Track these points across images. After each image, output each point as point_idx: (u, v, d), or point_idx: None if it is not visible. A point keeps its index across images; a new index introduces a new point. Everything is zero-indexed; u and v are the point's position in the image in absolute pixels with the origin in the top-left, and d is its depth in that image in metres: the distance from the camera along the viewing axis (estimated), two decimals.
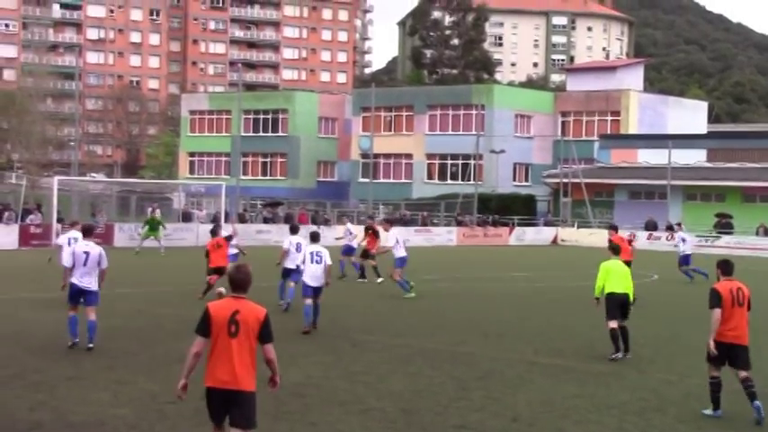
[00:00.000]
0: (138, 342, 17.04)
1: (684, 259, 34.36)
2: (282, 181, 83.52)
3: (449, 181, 75.74)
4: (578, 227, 64.79)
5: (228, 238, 24.76)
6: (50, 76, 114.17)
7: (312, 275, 19.28)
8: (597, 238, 38.86)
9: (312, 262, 19.40)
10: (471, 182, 68.77)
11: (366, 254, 31.39)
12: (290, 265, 21.89)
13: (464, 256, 47.46)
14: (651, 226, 60.03)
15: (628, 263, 23.21)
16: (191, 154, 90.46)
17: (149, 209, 52.74)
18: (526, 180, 78.01)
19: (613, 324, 16.63)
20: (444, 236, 59.21)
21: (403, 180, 78.89)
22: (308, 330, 18.79)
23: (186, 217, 53.34)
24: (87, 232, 17.05)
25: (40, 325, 18.76)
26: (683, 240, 34.68)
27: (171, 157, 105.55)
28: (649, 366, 16.32)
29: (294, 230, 23.16)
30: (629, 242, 29.06)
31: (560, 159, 71.76)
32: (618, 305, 16.64)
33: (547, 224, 67.67)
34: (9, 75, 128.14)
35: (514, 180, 76.90)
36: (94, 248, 16.32)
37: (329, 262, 19.52)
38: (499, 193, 71.06)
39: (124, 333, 18.14)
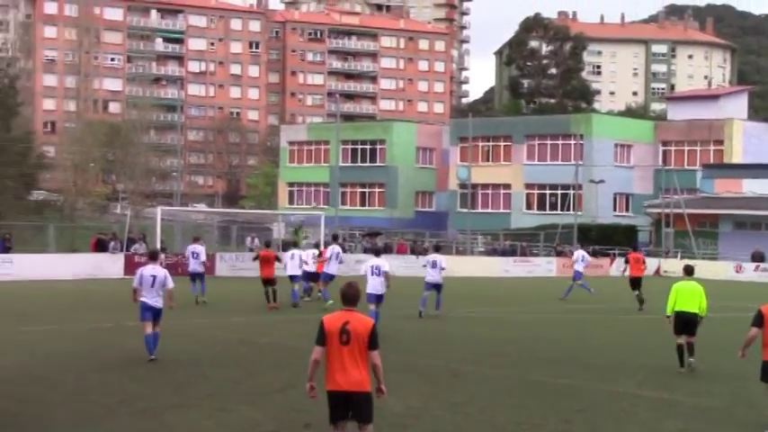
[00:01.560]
0: (241, 370, 17.19)
1: None
2: (381, 211, 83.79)
3: (548, 211, 75.12)
4: (681, 257, 63.60)
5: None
6: (154, 108, 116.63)
7: (372, 286, 23.29)
8: (700, 269, 38.20)
9: (372, 274, 23.63)
10: (571, 212, 68.11)
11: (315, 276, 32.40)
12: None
13: (564, 286, 46.89)
14: (758, 257, 58.63)
15: (638, 279, 33.38)
16: (290, 184, 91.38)
17: (248, 239, 53.47)
18: (627, 210, 76.98)
19: (680, 340, 18.38)
20: (544, 266, 58.66)
21: (501, 210, 78.50)
22: None
23: (286, 247, 53.76)
24: (154, 257, 19.24)
25: (145, 353, 19.03)
26: None
27: (271, 188, 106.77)
28: (760, 402, 15.85)
29: (377, 253, 26.02)
30: (642, 261, 34.80)
31: (662, 189, 70.62)
32: (684, 323, 18.28)
33: (649, 255, 66.50)
34: (114, 107, 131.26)
35: (615, 210, 75.95)
36: (160, 271, 18.44)
37: (387, 270, 23.72)
38: (599, 223, 70.21)
39: (227, 361, 18.33)
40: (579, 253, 39.47)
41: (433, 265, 28.33)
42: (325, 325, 9.93)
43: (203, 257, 32.94)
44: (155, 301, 18.26)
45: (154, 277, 18.27)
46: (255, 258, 31.03)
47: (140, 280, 18.30)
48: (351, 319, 9.91)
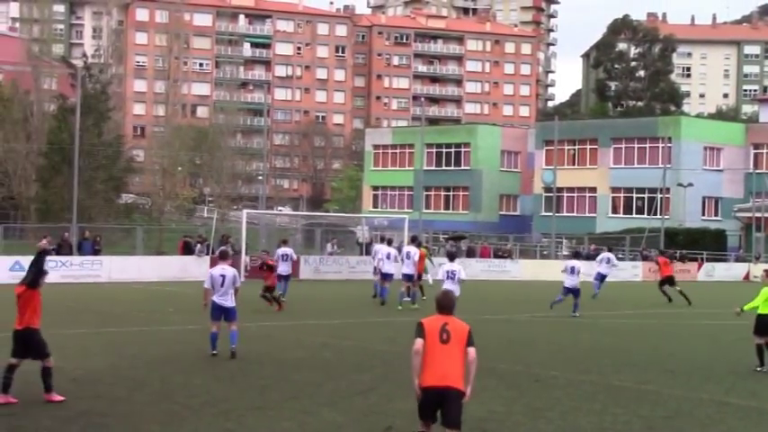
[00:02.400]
0: (323, 373, 17.29)
1: None
2: (465, 215, 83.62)
3: (634, 215, 74.29)
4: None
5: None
6: (240, 112, 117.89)
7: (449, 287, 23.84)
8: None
9: (446, 279, 25.07)
10: (658, 216, 67.23)
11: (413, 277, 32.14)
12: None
13: (650, 291, 46.28)
14: None
15: (669, 278, 36.87)
16: (374, 188, 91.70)
17: (328, 245, 53.69)
18: (716, 214, 75.71)
19: (757, 340, 19.11)
20: (629, 271, 57.90)
21: (587, 214, 77.82)
22: None
23: (370, 250, 53.94)
24: (223, 257, 19.57)
25: (229, 355, 19.26)
26: None
27: (355, 191, 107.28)
28: None
29: (451, 258, 27.22)
30: (669, 263, 38.68)
31: (752, 193, 69.32)
32: (764, 325, 18.87)
33: (738, 260, 65.32)
34: (202, 112, 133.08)
35: (703, 214, 74.76)
36: (229, 271, 18.80)
37: (462, 277, 25.29)
38: (687, 227, 69.18)
39: (309, 364, 18.44)
40: (605, 255, 40.03)
41: (572, 270, 29.78)
42: (425, 325, 10.24)
43: (294, 258, 34.34)
44: (224, 300, 18.68)
45: (223, 277, 18.66)
46: (262, 267, 30.26)
47: (211, 281, 18.74)
48: (449, 321, 10.26)
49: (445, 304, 10.40)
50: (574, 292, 29.92)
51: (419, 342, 10.09)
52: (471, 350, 10.19)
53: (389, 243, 34.28)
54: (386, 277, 31.96)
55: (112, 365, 17.68)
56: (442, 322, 10.21)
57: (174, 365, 17.81)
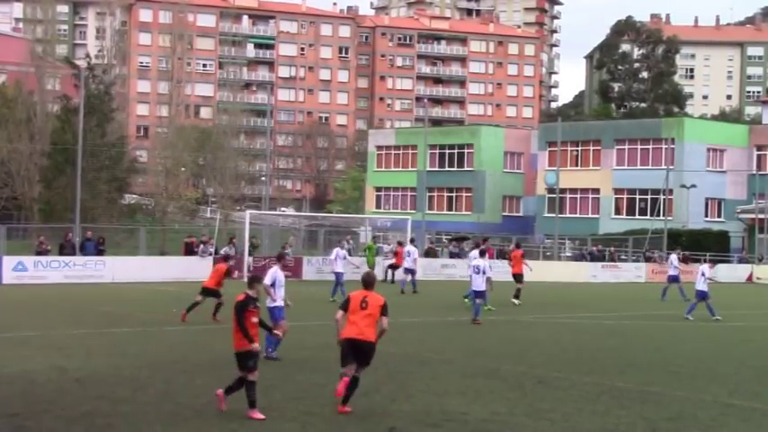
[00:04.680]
0: (326, 374, 17.25)
1: None
2: (468, 216, 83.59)
3: (637, 216, 74.23)
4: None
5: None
6: (243, 113, 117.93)
7: (475, 282, 27.10)
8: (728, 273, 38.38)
9: (473, 273, 27.31)
10: (661, 217, 67.19)
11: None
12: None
13: (653, 292, 46.27)
14: None
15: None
16: (377, 189, 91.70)
17: (343, 241, 53.70)
18: (719, 216, 75.65)
19: None
20: (632, 272, 57.87)
21: (590, 215, 77.79)
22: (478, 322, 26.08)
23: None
24: (281, 259, 20.72)
25: (232, 356, 19.19)
26: None
27: (358, 192, 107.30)
28: None
29: (482, 253, 29.52)
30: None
31: (756, 194, 69.24)
32: None
33: (741, 261, 65.22)
34: (206, 113, 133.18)
35: (706, 216, 74.69)
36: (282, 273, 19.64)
37: (488, 273, 27.26)
38: (690, 228, 69.12)
39: (312, 365, 18.44)
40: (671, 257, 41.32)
41: (702, 274, 31.17)
42: (350, 296, 14.34)
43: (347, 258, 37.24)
44: (282, 300, 19.23)
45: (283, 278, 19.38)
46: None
47: (274, 280, 19.15)
48: (368, 294, 14.19)
49: (368, 282, 14.48)
50: (702, 295, 31.07)
51: (339, 313, 14.26)
52: (385, 319, 14.07)
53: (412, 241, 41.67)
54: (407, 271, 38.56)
55: (115, 366, 17.68)
56: (363, 295, 14.18)
57: (177, 366, 17.82)
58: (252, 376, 13.30)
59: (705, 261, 34.59)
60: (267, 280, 18.87)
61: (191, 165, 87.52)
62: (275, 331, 15.40)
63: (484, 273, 27.31)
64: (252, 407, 13.27)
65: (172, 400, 14.42)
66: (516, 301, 33.33)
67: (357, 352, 13.81)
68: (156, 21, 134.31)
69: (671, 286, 39.70)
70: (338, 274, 34.90)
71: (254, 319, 13.72)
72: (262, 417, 13.16)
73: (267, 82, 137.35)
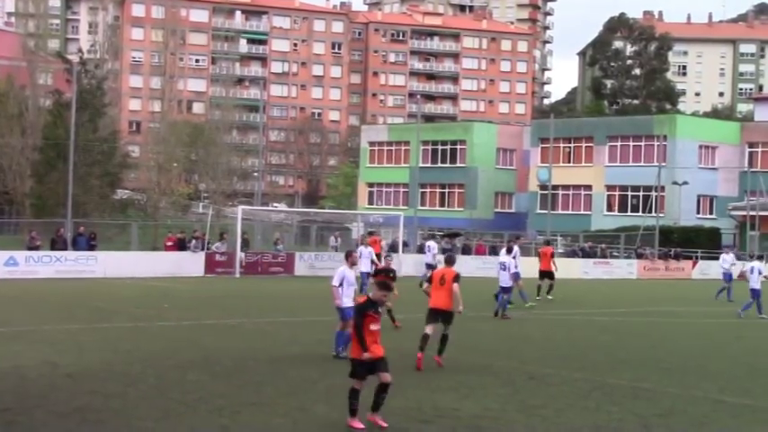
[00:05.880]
0: (318, 370, 17.29)
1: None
2: (460, 212, 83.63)
3: (629, 213, 74.32)
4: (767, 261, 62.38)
5: None
6: (236, 108, 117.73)
7: (501, 278, 27.72)
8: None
9: (499, 270, 27.97)
10: (652, 214, 67.30)
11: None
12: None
13: (645, 289, 46.39)
14: None
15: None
16: (370, 184, 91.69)
17: (331, 238, 53.78)
18: (710, 212, 75.80)
19: None
20: (624, 269, 58.00)
21: (582, 211, 77.87)
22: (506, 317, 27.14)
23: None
24: (349, 257, 19.78)
25: (225, 351, 19.28)
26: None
27: (350, 188, 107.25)
28: None
29: (509, 250, 30.10)
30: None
31: (747, 191, 69.39)
32: None
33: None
34: (198, 108, 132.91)
35: (698, 212, 74.83)
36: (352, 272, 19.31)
37: (512, 270, 28.10)
38: (682, 225, 69.23)
39: (304, 361, 18.44)
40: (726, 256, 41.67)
41: (751, 271, 31.79)
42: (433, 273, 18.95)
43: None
44: (351, 300, 18.53)
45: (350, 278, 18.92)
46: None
47: (342, 280, 18.71)
48: (446, 272, 18.50)
49: (449, 261, 19.02)
50: (754, 292, 31.34)
51: (425, 285, 19.02)
52: (455, 285, 17.99)
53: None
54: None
55: (107, 361, 17.66)
56: (442, 273, 18.41)
57: (168, 361, 17.80)
58: (357, 385, 12.59)
59: (759, 258, 34.93)
60: (335, 281, 18.60)
61: (183, 160, 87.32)
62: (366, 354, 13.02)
63: (509, 269, 27.88)
64: (353, 415, 12.61)
65: (164, 396, 14.41)
66: (549, 297, 34.67)
67: (439, 316, 18.15)
68: (149, 16, 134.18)
69: (730, 285, 39.48)
70: (363, 275, 30.77)
71: (374, 327, 12.68)
72: (360, 426, 12.54)
73: (260, 77, 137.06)
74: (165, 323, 24.34)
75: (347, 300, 18.50)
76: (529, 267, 37.74)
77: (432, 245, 42.14)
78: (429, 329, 17.98)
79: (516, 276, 30.21)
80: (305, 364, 18.02)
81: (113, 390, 14.77)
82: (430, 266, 39.50)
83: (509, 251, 29.88)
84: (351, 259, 19.44)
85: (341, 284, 18.61)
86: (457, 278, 18.15)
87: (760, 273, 31.75)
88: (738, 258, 47.00)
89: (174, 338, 21.35)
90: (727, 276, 39.68)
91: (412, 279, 40.11)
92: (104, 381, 15.57)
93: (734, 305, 34.40)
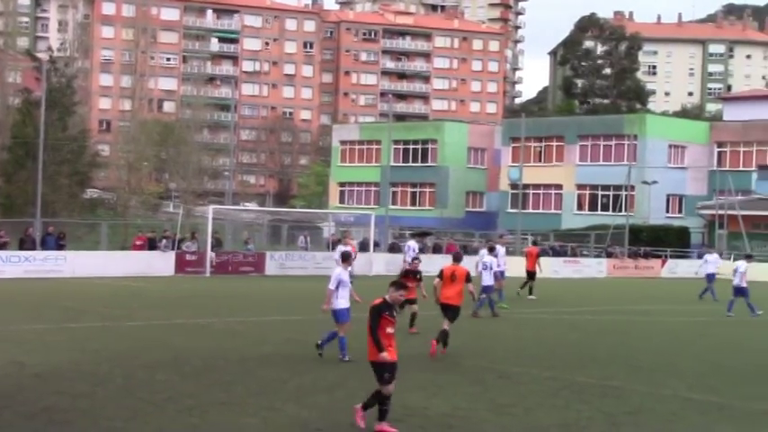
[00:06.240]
0: (288, 369, 17.26)
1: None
2: (431, 211, 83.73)
3: (599, 212, 74.64)
4: (735, 260, 62.81)
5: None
6: (207, 107, 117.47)
7: (484, 278, 27.54)
8: (754, 271, 38.19)
9: (483, 269, 27.61)
10: (622, 213, 67.64)
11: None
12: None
13: (614, 288, 46.64)
14: None
15: None
16: (341, 184, 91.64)
17: (300, 238, 53.72)
18: (679, 211, 76.27)
19: None
20: (594, 267, 58.28)
21: (552, 210, 78.16)
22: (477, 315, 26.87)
23: (335, 246, 53.91)
24: (346, 259, 19.87)
25: (194, 351, 19.21)
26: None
27: (322, 187, 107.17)
28: None
29: (491, 250, 30.42)
30: None
31: (716, 190, 69.90)
32: None
33: (701, 257, 65.80)
34: (169, 107, 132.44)
35: (667, 211, 75.28)
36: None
37: (494, 269, 28.30)
38: (651, 224, 69.63)
39: (274, 360, 18.41)
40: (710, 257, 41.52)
41: (736, 270, 32.11)
42: (444, 270, 20.00)
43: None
44: (347, 301, 18.39)
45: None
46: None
47: (338, 283, 18.24)
48: (456, 269, 20.06)
49: (457, 257, 20.87)
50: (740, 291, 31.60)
51: (436, 280, 19.88)
52: (469, 285, 19.77)
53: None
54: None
55: (75, 361, 17.55)
56: (453, 270, 19.88)
57: (137, 361, 17.71)
58: (385, 390, 12.20)
59: (747, 257, 34.88)
60: (332, 284, 18.21)
61: (153, 159, 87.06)
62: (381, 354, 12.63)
63: (491, 269, 27.90)
64: (382, 419, 12.30)
65: (132, 396, 14.34)
66: (532, 297, 34.73)
67: (447, 311, 19.60)
68: (120, 14, 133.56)
69: (711, 285, 39.05)
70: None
71: (389, 329, 12.37)
72: (392, 430, 12.25)
73: (231, 76, 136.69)
74: (133, 323, 24.22)
75: (342, 301, 18.25)
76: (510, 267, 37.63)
77: (412, 245, 42.28)
78: (446, 325, 19.66)
79: (499, 275, 30.61)
80: (275, 363, 17.99)
81: (81, 390, 14.68)
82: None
83: (491, 250, 30.09)
84: (348, 261, 19.42)
85: (337, 287, 18.24)
86: (469, 277, 19.90)
87: (743, 272, 31.84)
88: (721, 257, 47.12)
89: (142, 338, 21.24)
90: (710, 276, 39.41)
91: (384, 278, 40.08)
92: (72, 381, 15.48)
93: (719, 304, 34.55)
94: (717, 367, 19.66)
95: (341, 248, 33.13)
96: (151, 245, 45.41)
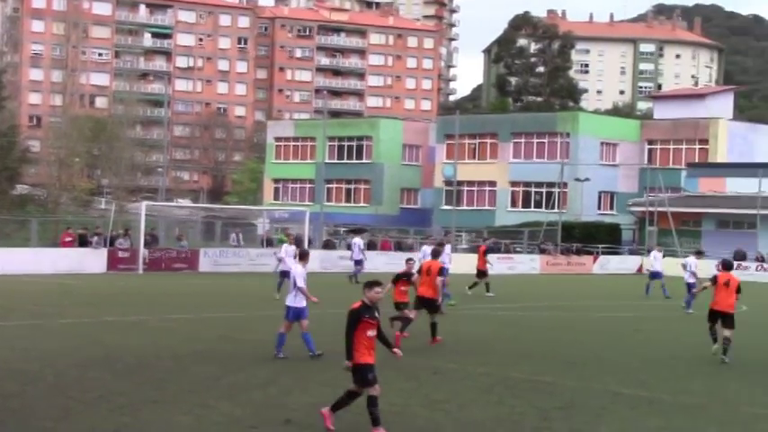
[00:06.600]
0: (221, 366, 17.18)
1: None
2: (366, 208, 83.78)
3: (532, 209, 75.26)
4: (664, 256, 63.68)
5: None
6: (140, 103, 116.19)
7: None
8: (669, 266, 39.05)
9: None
10: (555, 210, 68.26)
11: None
12: None
13: (547, 284, 47.06)
14: (740, 256, 58.75)
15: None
16: (275, 180, 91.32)
17: (232, 235, 53.45)
18: (611, 208, 77.17)
19: None
20: (527, 264, 58.75)
21: (486, 207, 78.60)
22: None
23: (270, 243, 53.80)
24: (304, 257, 19.15)
25: (126, 349, 19.04)
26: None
27: (256, 184, 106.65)
28: (737, 399, 15.97)
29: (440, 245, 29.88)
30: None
31: (646, 188, 70.84)
32: None
33: (632, 253, 66.77)
34: (101, 102, 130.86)
35: (599, 208, 76.12)
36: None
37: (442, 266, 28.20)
38: (583, 221, 70.35)
39: (207, 358, 18.31)
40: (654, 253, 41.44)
41: (685, 266, 32.82)
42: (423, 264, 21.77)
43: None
44: (303, 300, 18.29)
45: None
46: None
47: (304, 280, 18.30)
48: (432, 264, 21.49)
49: (435, 253, 22.48)
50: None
51: (415, 276, 21.30)
52: (438, 279, 20.96)
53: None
54: None
55: (4, 359, 17.31)
56: (428, 265, 21.20)
57: (68, 359, 17.51)
58: (373, 391, 12.03)
59: (697, 254, 35.58)
60: (301, 282, 18.11)
61: (85, 155, 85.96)
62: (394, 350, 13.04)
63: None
64: (376, 425, 12.04)
65: (63, 394, 14.18)
66: (469, 292, 34.79)
67: (425, 305, 20.73)
68: (50, 8, 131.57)
69: (653, 282, 38.80)
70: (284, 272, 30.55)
71: (371, 333, 12.06)
72: None
73: (164, 72, 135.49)
74: (64, 320, 23.93)
75: (301, 299, 18.18)
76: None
77: (357, 241, 43.15)
78: (413, 314, 20.85)
79: (445, 273, 30.43)
80: (208, 360, 17.89)
81: (11, 389, 14.48)
82: (358, 263, 41.55)
83: (439, 247, 30.02)
84: (306, 259, 19.15)
85: (295, 284, 18.17)
86: (441, 271, 21.32)
87: (693, 267, 32.41)
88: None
89: (73, 336, 21.00)
90: (655, 274, 39.27)
91: (318, 276, 40.06)
92: (1, 380, 15.26)
93: (671, 301, 35.02)
94: (647, 362, 19.95)
95: (286, 248, 32.49)
96: (82, 242, 44.85)
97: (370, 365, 12.03)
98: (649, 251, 52.04)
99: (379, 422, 12.02)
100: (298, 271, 18.33)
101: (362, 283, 12.94)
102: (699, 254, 35.16)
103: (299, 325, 18.25)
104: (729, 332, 19.69)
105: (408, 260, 23.19)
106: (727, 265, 20.76)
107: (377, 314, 12.17)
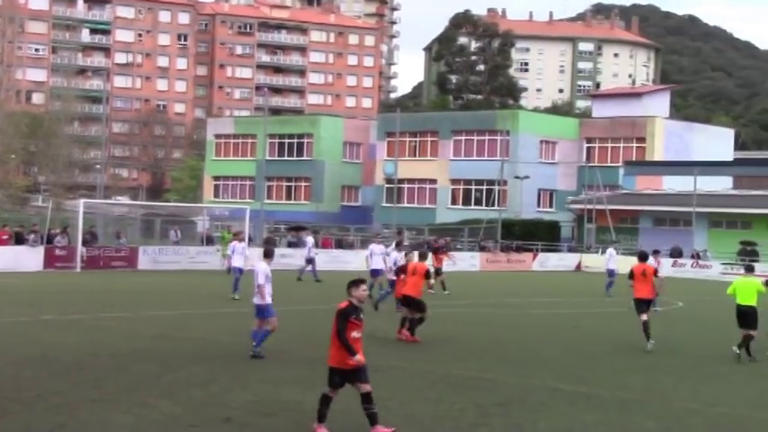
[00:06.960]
0: (161, 365, 17.06)
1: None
2: (306, 205, 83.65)
3: (472, 206, 75.63)
4: (602, 253, 64.43)
5: None
6: (78, 99, 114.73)
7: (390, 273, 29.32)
8: (621, 264, 39.23)
9: (392, 264, 29.46)
10: (495, 207, 68.68)
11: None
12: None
13: (487, 281, 47.33)
14: (676, 253, 59.66)
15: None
16: (215, 178, 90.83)
17: (171, 232, 53.10)
18: (550, 206, 77.81)
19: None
20: (467, 261, 58.89)
21: (427, 205, 78.85)
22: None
23: (210, 240, 53.47)
24: (269, 255, 19.29)
25: (63, 348, 18.82)
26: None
27: (196, 181, 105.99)
28: (673, 394, 16.20)
29: (398, 244, 32.27)
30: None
31: (585, 186, 71.54)
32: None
33: (570, 250, 67.39)
34: (38, 98, 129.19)
35: (538, 206, 76.72)
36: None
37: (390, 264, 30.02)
38: (523, 218, 70.86)
39: (146, 356, 18.16)
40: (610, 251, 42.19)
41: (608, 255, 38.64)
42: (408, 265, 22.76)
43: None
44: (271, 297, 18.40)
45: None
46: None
47: (267, 278, 18.24)
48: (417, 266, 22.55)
49: (422, 255, 23.28)
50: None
51: (401, 276, 22.48)
52: (429, 281, 22.64)
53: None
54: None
55: None
56: (415, 266, 22.25)
57: (4, 358, 17.27)
58: (363, 389, 12.03)
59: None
60: (261, 279, 18.08)
61: (21, 152, 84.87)
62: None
63: (395, 264, 28.55)
64: (373, 423, 11.98)
65: None
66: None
67: (410, 304, 21.54)
68: None
69: (614, 279, 38.65)
70: (236, 269, 31.50)
71: (356, 334, 12.10)
72: (388, 430, 12.04)
73: (103, 68, 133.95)
74: (0, 319, 23.57)
75: (269, 296, 18.29)
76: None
77: (309, 240, 43.58)
78: (406, 312, 21.98)
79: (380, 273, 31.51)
80: (147, 359, 17.75)
81: None
82: (309, 261, 41.37)
83: (398, 245, 31.99)
84: (270, 257, 19.22)
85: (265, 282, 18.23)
86: (428, 274, 22.78)
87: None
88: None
89: (9, 335, 20.70)
90: (611, 272, 39.17)
91: None
92: None
93: (611, 299, 35.56)
94: (586, 358, 20.17)
95: (236, 245, 32.56)
96: (19, 240, 44.22)
97: (339, 369, 12.09)
98: (605, 249, 52.65)
99: (377, 420, 12.02)
100: (261, 268, 18.41)
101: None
102: (656, 252, 35.18)
103: (267, 322, 18.26)
104: (646, 316, 21.50)
105: (406, 254, 25.39)
106: (642, 257, 22.76)
107: (362, 315, 12.20)
